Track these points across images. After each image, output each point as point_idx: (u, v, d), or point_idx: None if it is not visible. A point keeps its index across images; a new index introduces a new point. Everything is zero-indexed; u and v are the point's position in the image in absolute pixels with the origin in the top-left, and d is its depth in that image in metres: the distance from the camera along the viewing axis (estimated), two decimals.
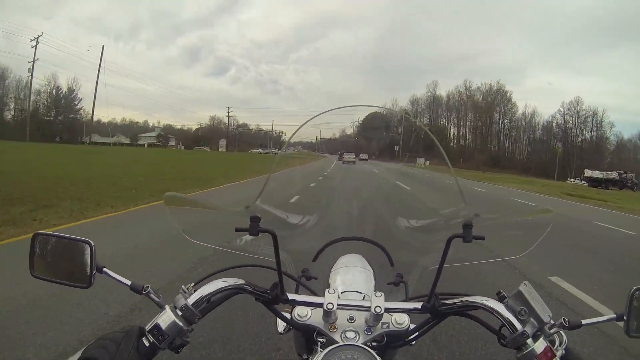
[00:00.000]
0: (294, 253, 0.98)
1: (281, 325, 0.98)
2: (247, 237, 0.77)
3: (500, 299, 0.74)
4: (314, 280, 1.06)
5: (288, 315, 0.82)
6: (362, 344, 0.73)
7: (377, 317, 0.76)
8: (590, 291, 4.44)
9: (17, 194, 8.97)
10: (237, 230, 0.75)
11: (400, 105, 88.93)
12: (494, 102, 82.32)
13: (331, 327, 0.78)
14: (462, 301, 0.78)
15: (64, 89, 70.00)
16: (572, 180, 58.05)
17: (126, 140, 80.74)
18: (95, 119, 78.66)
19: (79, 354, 0.68)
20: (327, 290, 0.78)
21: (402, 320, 0.79)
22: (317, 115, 1.02)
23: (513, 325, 0.71)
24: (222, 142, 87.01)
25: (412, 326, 0.80)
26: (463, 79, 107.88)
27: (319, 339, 0.79)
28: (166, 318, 0.72)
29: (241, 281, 0.80)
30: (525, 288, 0.72)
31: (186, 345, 0.74)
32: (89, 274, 0.77)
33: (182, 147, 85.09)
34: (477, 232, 0.74)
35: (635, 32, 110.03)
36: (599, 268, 5.80)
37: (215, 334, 2.87)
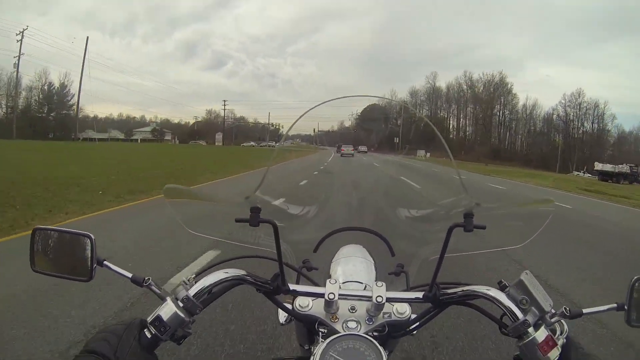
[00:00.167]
0: (294, 244, 0.97)
1: (282, 316, 1.00)
2: (247, 228, 0.76)
3: (502, 288, 0.74)
4: (314, 271, 1.06)
5: (289, 306, 0.82)
6: (363, 333, 0.73)
7: (379, 307, 0.76)
8: None
9: None
10: (237, 221, 0.75)
11: (399, 97, 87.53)
12: (495, 93, 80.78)
13: (333, 317, 0.78)
14: (463, 290, 0.78)
15: (56, 84, 68.93)
16: (576, 173, 56.66)
17: (121, 136, 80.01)
18: (91, 115, 78.71)
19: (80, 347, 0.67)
20: (328, 281, 0.78)
21: (404, 310, 0.79)
22: (315, 107, 1.02)
23: (514, 314, 0.71)
24: (219, 136, 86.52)
25: (413, 316, 0.80)
26: (463, 70, 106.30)
27: (320, 330, 0.79)
28: (167, 310, 0.72)
29: (242, 272, 0.80)
30: (527, 277, 0.72)
31: (188, 336, 0.75)
32: (89, 267, 0.78)
33: (177, 142, 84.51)
34: (477, 222, 0.74)
35: (633, 25, 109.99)
36: None
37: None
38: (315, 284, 0.95)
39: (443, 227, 0.74)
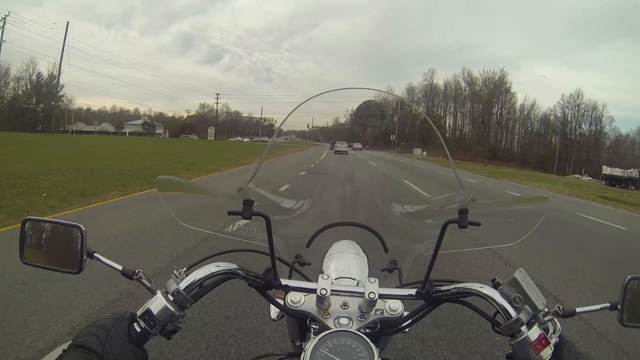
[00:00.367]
0: (287, 238, 0.97)
1: (274, 311, 1.00)
2: (241, 221, 0.76)
3: (495, 285, 0.74)
4: (307, 267, 1.06)
5: (281, 302, 0.82)
6: (355, 330, 0.72)
7: (371, 303, 0.76)
8: None
9: None
10: (229, 213, 0.74)
11: (396, 93, 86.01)
12: (496, 91, 79.73)
13: (324, 313, 0.78)
14: (456, 288, 0.77)
15: (45, 75, 66.56)
16: (576, 176, 55.29)
17: (112, 129, 78.64)
18: (84, 107, 78.15)
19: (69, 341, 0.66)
20: (320, 276, 0.78)
21: (396, 307, 0.79)
22: (309, 99, 1.01)
23: (507, 312, 0.71)
24: (211, 130, 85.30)
25: (405, 313, 0.80)
26: (462, 68, 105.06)
27: (312, 326, 0.80)
28: (157, 303, 0.71)
29: (234, 266, 0.79)
30: (521, 275, 0.72)
31: (178, 330, 0.74)
32: (79, 259, 0.77)
33: (167, 136, 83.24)
34: (472, 219, 0.73)
35: (630, 27, 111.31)
36: None
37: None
38: (308, 280, 0.94)
39: (437, 223, 0.74)
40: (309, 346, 0.67)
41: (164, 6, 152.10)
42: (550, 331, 0.72)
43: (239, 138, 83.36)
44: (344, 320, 0.76)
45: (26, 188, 8.54)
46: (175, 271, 0.75)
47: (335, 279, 0.96)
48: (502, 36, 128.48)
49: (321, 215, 1.27)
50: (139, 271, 0.76)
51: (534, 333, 0.69)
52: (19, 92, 65.05)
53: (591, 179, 48.11)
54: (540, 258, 5.85)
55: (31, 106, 65.37)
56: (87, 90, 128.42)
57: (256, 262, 0.89)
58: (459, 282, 0.79)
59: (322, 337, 0.69)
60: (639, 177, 41.43)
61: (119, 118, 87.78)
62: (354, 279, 0.96)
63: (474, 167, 36.29)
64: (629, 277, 0.74)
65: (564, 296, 4.34)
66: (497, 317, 0.74)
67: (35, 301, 3.11)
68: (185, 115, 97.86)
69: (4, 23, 52.70)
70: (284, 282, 0.81)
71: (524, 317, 0.70)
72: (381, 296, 0.77)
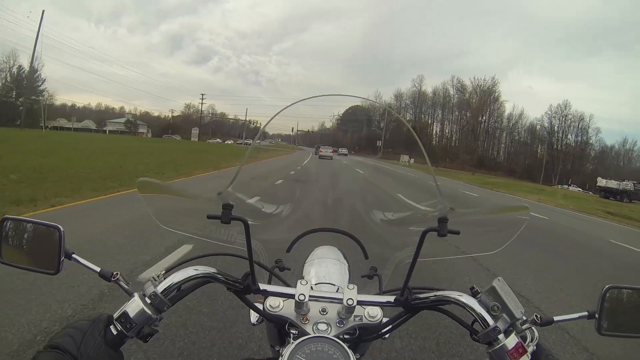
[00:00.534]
0: (267, 243, 0.96)
1: (254, 316, 0.98)
2: (221, 225, 0.76)
3: (474, 294, 0.75)
4: (287, 272, 1.06)
5: (260, 306, 0.82)
6: (333, 336, 0.73)
7: (349, 309, 0.76)
8: None
9: None
10: (209, 217, 0.75)
11: (384, 99, 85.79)
12: (487, 98, 79.82)
13: (303, 318, 0.78)
14: (435, 296, 0.78)
15: (26, 68, 63.61)
16: (565, 186, 54.97)
17: (94, 126, 77.16)
18: (68, 103, 76.62)
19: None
20: (299, 281, 0.78)
21: (375, 314, 0.79)
22: (294, 104, 1.02)
23: (485, 320, 0.72)
24: (195, 131, 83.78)
25: (385, 319, 0.81)
26: (450, 75, 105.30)
27: (291, 331, 0.80)
28: (134, 306, 0.71)
29: (212, 270, 0.79)
30: (499, 284, 0.73)
31: (155, 334, 0.74)
32: (57, 260, 0.76)
33: (150, 135, 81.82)
34: (452, 227, 0.74)
35: (614, 42, 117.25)
36: None
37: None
38: (287, 285, 0.94)
39: (417, 231, 0.74)
40: (286, 351, 0.68)
41: (155, 4, 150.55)
42: (528, 339, 0.72)
43: (218, 140, 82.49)
44: (322, 326, 0.77)
45: None
46: (153, 274, 0.74)
47: (315, 284, 0.96)
48: (490, 46, 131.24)
49: (302, 221, 1.33)
50: (117, 273, 0.75)
51: (511, 341, 0.69)
52: None
53: (580, 189, 47.87)
54: None
55: (11, 100, 63.28)
56: (72, 87, 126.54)
57: (237, 266, 0.89)
58: (438, 289, 0.79)
59: (299, 342, 0.69)
60: (634, 190, 40.87)
61: (103, 116, 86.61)
62: (334, 285, 0.96)
63: (463, 176, 35.70)
64: (607, 286, 0.75)
65: None
66: (475, 325, 0.74)
67: None
68: (170, 115, 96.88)
69: None
70: (262, 286, 0.81)
71: (501, 325, 0.70)
72: (360, 302, 0.77)
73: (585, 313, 0.75)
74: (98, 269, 0.76)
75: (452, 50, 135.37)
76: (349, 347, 0.69)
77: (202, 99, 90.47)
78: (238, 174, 0.83)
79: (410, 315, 0.81)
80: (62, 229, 0.76)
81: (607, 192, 41.13)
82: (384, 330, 0.82)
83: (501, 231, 0.90)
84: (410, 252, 0.78)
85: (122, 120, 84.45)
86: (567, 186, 55.39)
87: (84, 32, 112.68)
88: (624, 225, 16.51)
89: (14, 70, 63.27)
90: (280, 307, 0.79)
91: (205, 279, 0.78)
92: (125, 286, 0.75)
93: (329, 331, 0.76)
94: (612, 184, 42.57)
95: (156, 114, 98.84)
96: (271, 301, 0.80)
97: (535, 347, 0.71)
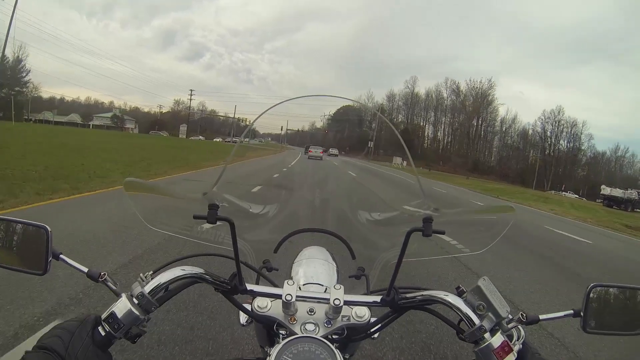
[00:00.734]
0: (255, 244, 0.96)
1: (243, 316, 0.99)
2: (208, 225, 0.77)
3: (459, 293, 0.76)
4: (276, 272, 1.07)
5: (248, 307, 0.83)
6: (321, 336, 0.74)
7: (337, 309, 0.77)
8: None
9: None
10: (195, 217, 0.75)
11: (376, 100, 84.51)
12: (482, 101, 79.19)
13: (291, 319, 0.79)
14: (422, 295, 0.80)
15: (10, 58, 61.21)
16: (563, 193, 53.91)
17: (79, 120, 75.90)
18: (54, 96, 75.57)
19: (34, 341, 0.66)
20: (286, 282, 0.79)
21: (363, 314, 0.80)
22: (283, 102, 1.01)
23: (471, 319, 0.73)
24: (183, 128, 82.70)
25: (373, 319, 0.82)
26: (444, 78, 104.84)
27: (280, 331, 0.81)
28: (122, 306, 0.71)
29: (200, 270, 0.79)
30: (484, 283, 0.74)
31: (143, 334, 0.74)
32: (44, 260, 0.76)
33: (137, 131, 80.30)
34: (437, 227, 0.75)
35: (606, 51, 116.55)
36: None
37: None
38: (275, 285, 0.95)
39: (403, 231, 0.75)
40: (273, 351, 0.68)
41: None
42: (514, 338, 0.73)
43: (200, 137, 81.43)
44: (310, 326, 0.77)
45: None
46: (141, 274, 0.75)
47: (303, 284, 0.97)
48: (483, 51, 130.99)
49: (290, 221, 1.35)
50: (104, 273, 0.75)
51: (496, 340, 0.70)
52: None
53: (576, 196, 46.81)
54: None
55: None
56: (61, 80, 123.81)
57: (225, 267, 0.88)
58: (425, 289, 0.80)
59: (286, 342, 0.70)
60: (638, 199, 39.43)
61: (91, 110, 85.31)
62: (322, 285, 0.97)
63: (458, 180, 34.45)
64: (592, 284, 0.77)
65: None
66: (461, 325, 0.75)
67: None
68: (158, 111, 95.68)
69: None
70: (249, 287, 0.82)
71: (487, 324, 0.71)
72: (347, 303, 0.78)
73: (571, 311, 0.76)
74: (85, 270, 0.76)
75: (445, 53, 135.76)
76: (337, 347, 0.69)
77: (191, 94, 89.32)
78: (223, 173, 0.83)
79: (398, 315, 0.82)
80: (49, 229, 0.76)
81: (610, 201, 39.62)
82: (372, 330, 0.82)
83: (487, 231, 0.90)
84: (396, 252, 0.78)
85: (109, 115, 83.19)
86: (563, 192, 54.61)
87: (75, 24, 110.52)
88: None
89: None
90: (268, 307, 0.80)
91: (193, 280, 0.78)
92: (113, 287, 0.75)
93: (316, 331, 0.76)
94: (617, 192, 40.69)
95: (146, 109, 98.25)
96: (259, 302, 0.80)
97: (521, 346, 0.72)
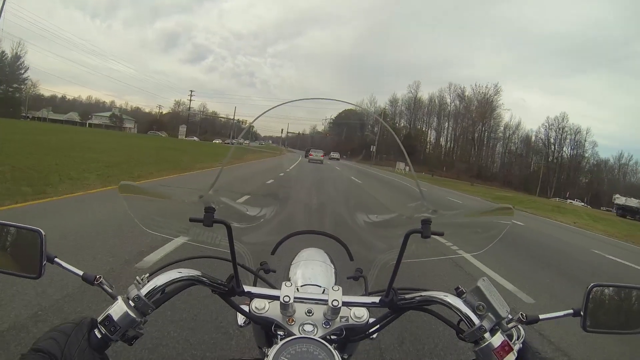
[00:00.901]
0: (253, 246, 0.98)
1: (241, 318, 0.98)
2: (205, 227, 0.77)
3: (459, 294, 0.76)
4: (273, 274, 1.07)
5: (246, 308, 0.83)
6: (320, 337, 0.74)
7: (335, 310, 0.77)
8: None
9: None
10: (191, 220, 0.76)
11: (379, 104, 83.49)
12: (489, 106, 78.08)
13: (289, 320, 0.79)
14: (421, 296, 0.80)
15: (9, 54, 60.60)
16: (569, 201, 52.48)
17: (78, 119, 75.45)
18: (52, 94, 75.46)
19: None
20: (284, 283, 0.79)
21: (361, 315, 0.81)
22: (283, 104, 0.99)
23: (471, 319, 0.73)
24: (182, 129, 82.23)
25: (371, 320, 0.82)
26: (448, 83, 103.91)
27: (278, 332, 0.81)
28: (118, 309, 0.71)
29: (197, 272, 0.79)
30: (484, 283, 0.74)
31: (140, 337, 0.74)
32: (39, 263, 0.76)
33: (135, 131, 79.89)
34: (436, 229, 0.76)
35: (606, 58, 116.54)
36: None
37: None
38: (273, 287, 0.95)
39: (402, 233, 0.76)
40: (271, 352, 0.69)
41: (151, 1, 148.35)
42: (514, 338, 0.73)
43: (195, 138, 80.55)
44: (308, 327, 0.78)
45: None
46: (137, 277, 0.75)
47: (301, 286, 0.97)
48: (484, 58, 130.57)
49: (287, 223, 1.34)
50: (100, 276, 0.75)
51: (496, 340, 0.70)
52: None
53: (583, 204, 45.31)
54: None
55: None
56: (63, 79, 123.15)
57: (222, 269, 0.88)
58: (424, 290, 0.80)
59: (284, 343, 0.70)
60: None
61: (92, 109, 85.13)
62: (320, 286, 0.97)
63: (464, 187, 33.05)
64: (592, 284, 0.77)
65: None
66: (461, 325, 0.75)
67: None
68: (158, 112, 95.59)
69: None
70: (247, 288, 0.82)
71: (487, 324, 0.71)
72: (345, 304, 0.78)
73: (571, 311, 0.76)
74: (81, 273, 0.76)
75: (446, 59, 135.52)
76: (335, 348, 0.70)
77: (191, 95, 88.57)
78: (219, 176, 0.84)
79: (397, 316, 0.82)
80: (43, 233, 0.76)
81: (624, 210, 38.36)
82: (371, 330, 0.83)
83: (485, 233, 0.90)
84: (394, 253, 0.79)
85: (108, 114, 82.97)
86: (569, 200, 53.23)
87: (78, 24, 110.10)
88: None
89: None
90: (266, 308, 0.80)
91: (190, 282, 0.78)
92: (109, 289, 0.75)
93: (315, 332, 0.77)
94: (633, 202, 39.27)
95: (147, 110, 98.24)
96: (257, 303, 0.81)
97: (521, 345, 0.72)
